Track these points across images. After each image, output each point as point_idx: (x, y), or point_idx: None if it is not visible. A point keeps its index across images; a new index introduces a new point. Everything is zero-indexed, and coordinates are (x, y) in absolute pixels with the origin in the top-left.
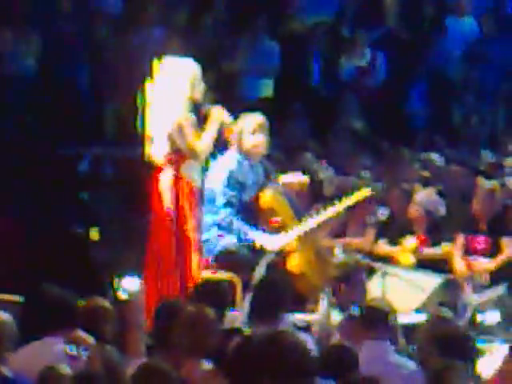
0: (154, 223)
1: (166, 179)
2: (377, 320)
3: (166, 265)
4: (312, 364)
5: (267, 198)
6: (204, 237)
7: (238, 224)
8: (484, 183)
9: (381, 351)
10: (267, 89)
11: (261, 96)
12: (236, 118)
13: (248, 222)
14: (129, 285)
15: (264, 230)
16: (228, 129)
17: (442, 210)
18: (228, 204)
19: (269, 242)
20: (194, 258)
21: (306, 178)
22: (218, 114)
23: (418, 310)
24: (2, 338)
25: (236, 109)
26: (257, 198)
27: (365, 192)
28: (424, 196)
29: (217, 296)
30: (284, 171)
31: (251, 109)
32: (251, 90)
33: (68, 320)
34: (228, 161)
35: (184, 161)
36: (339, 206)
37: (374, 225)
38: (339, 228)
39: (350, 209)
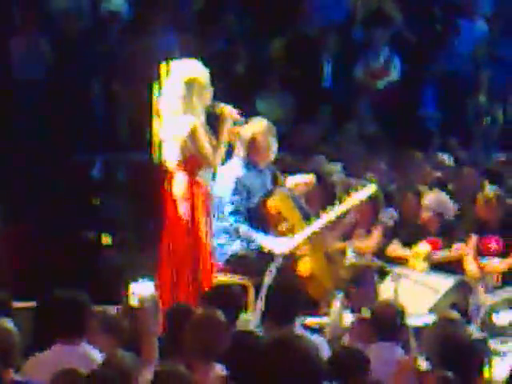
0: (168, 227)
1: (179, 184)
2: (387, 322)
3: (181, 269)
4: (319, 367)
5: (274, 202)
6: (214, 242)
7: (244, 230)
8: (486, 189)
9: (390, 353)
10: None
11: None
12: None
13: (256, 227)
14: (141, 290)
15: (272, 235)
16: (234, 133)
17: (452, 211)
18: (235, 212)
19: (277, 245)
20: (208, 262)
21: (312, 178)
22: (230, 114)
23: (430, 312)
24: (7, 347)
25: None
26: (264, 203)
27: (368, 189)
28: (432, 199)
29: (229, 299)
30: (296, 174)
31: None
32: None
33: (80, 325)
34: (235, 167)
35: (199, 167)
36: (344, 205)
37: (380, 225)
38: (350, 230)
39: (358, 210)
